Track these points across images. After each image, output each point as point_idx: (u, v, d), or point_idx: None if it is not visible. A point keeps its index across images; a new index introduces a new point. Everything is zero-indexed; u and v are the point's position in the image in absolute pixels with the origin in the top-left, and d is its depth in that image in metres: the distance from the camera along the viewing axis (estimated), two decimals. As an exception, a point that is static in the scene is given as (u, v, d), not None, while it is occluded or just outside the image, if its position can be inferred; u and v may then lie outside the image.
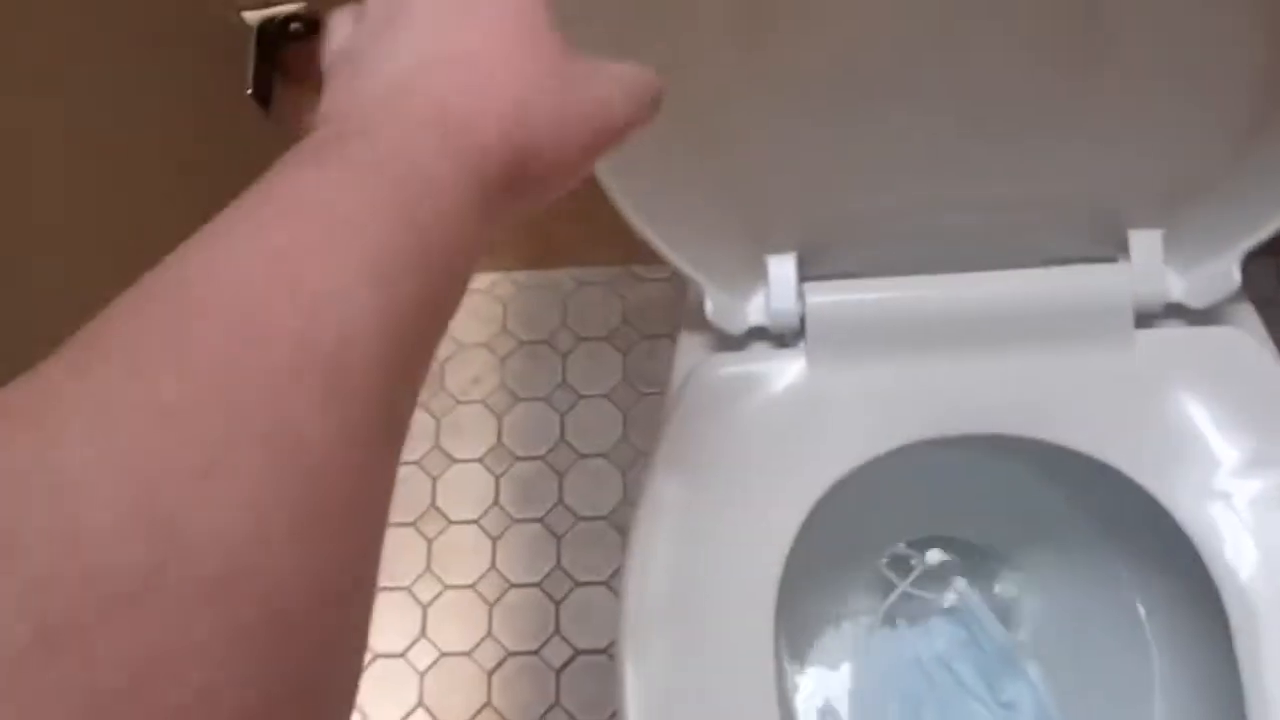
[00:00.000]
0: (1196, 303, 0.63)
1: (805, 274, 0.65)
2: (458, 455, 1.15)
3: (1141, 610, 0.69)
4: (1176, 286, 0.63)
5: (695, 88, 0.56)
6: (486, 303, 1.21)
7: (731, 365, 0.65)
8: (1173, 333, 0.64)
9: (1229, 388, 0.62)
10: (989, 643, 0.68)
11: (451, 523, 1.13)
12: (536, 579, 1.10)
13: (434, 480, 1.14)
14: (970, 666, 0.68)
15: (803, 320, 0.65)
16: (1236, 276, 0.62)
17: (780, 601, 0.63)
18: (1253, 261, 0.63)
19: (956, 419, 0.63)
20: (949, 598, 0.70)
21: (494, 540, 1.11)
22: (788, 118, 0.58)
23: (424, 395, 1.14)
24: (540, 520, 1.12)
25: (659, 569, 0.61)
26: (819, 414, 0.64)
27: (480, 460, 1.15)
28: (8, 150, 0.70)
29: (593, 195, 0.63)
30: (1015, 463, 0.68)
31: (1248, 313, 0.65)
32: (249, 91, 0.80)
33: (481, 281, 1.22)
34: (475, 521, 1.12)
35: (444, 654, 1.08)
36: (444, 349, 1.19)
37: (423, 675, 1.07)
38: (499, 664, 1.07)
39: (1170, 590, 0.65)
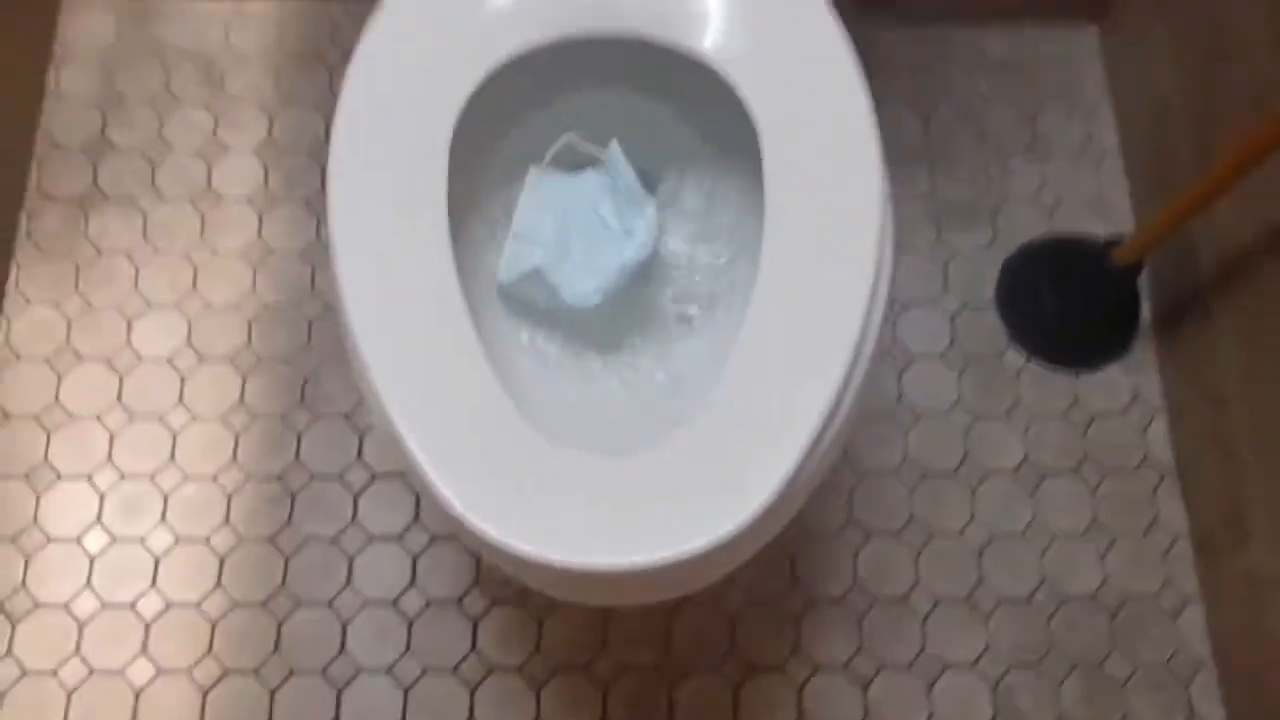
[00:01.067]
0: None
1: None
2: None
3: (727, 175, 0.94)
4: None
5: None
6: None
7: None
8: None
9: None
10: (624, 186, 0.92)
11: (226, 199, 1.31)
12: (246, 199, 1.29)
13: (210, 166, 1.33)
14: (608, 203, 0.92)
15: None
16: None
17: (470, 159, 0.85)
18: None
19: (588, 21, 0.86)
20: (601, 150, 0.93)
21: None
22: None
23: (206, 95, 1.32)
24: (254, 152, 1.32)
25: (355, 125, 0.82)
26: (486, 10, 0.86)
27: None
28: None
29: None
30: (630, 79, 0.91)
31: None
32: None
33: None
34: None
35: (153, 306, 1.27)
36: (225, 57, 1.37)
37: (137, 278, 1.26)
38: (200, 314, 1.26)
39: (727, 144, 0.88)
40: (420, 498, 1.16)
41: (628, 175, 0.91)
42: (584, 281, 0.88)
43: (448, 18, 0.86)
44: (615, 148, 0.91)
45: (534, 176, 0.92)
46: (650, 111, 0.94)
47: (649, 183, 0.97)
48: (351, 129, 0.82)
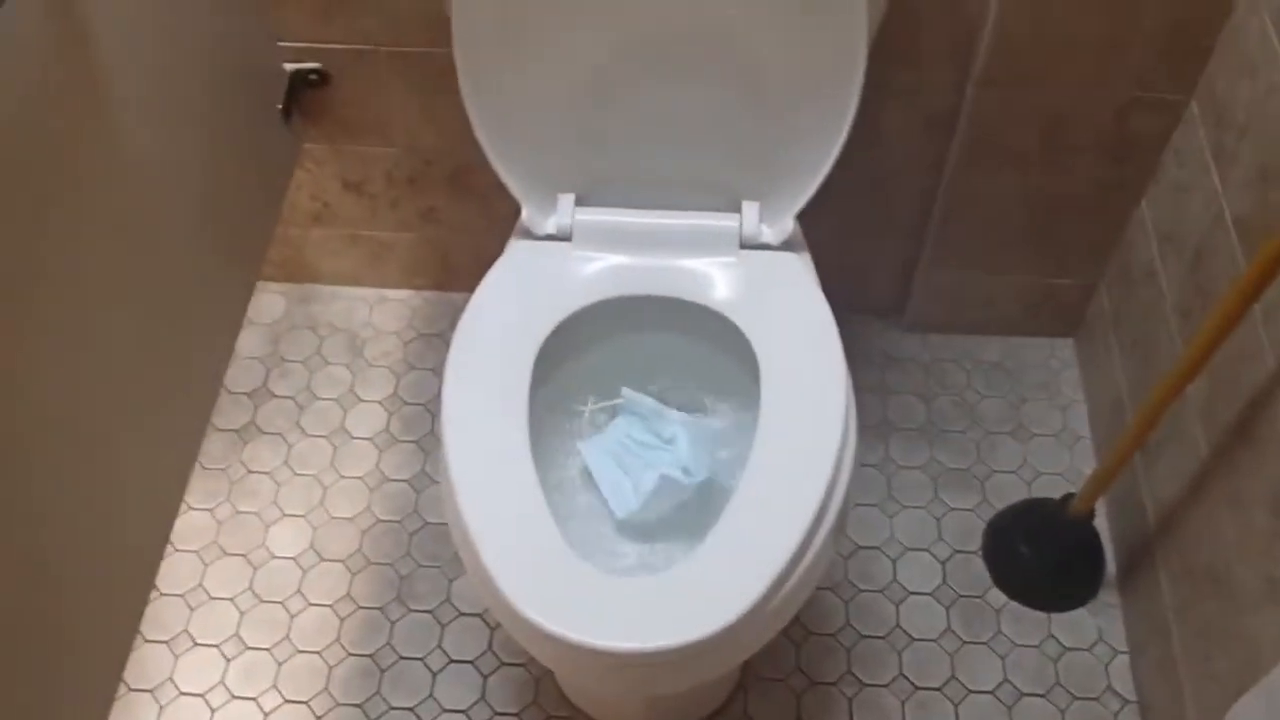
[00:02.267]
0: (773, 241, 1.22)
1: (578, 203, 1.24)
2: (365, 397, 1.68)
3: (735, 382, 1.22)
4: (765, 232, 1.23)
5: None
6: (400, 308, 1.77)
7: (533, 246, 1.23)
8: (760, 253, 1.22)
9: (782, 279, 1.20)
10: (648, 412, 1.21)
11: (354, 437, 1.64)
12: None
13: (345, 411, 1.67)
14: (640, 429, 1.21)
15: (573, 230, 1.23)
16: (791, 228, 1.22)
17: (539, 387, 1.16)
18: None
19: (647, 286, 1.20)
20: (621, 399, 1.23)
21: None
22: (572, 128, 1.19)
23: (348, 358, 1.68)
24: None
25: (472, 362, 1.15)
26: (573, 274, 1.21)
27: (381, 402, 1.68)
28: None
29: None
30: (674, 326, 1.23)
31: (801, 247, 1.24)
32: (279, 107, 1.45)
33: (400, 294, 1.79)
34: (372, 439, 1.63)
35: (286, 515, 1.56)
36: (366, 331, 1.75)
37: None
38: (324, 524, 1.55)
39: (748, 373, 1.16)
40: (493, 636, 1.40)
41: (645, 402, 1.21)
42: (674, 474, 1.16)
43: (526, 290, 1.20)
44: (626, 391, 1.22)
45: (584, 447, 1.22)
46: (684, 348, 1.25)
47: (690, 405, 1.27)
48: (459, 367, 1.14)
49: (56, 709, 0.94)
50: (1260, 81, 1.17)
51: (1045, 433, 1.63)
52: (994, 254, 1.60)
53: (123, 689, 1.41)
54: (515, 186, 1.23)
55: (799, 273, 1.22)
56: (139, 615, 1.14)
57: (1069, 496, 1.44)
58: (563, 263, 1.23)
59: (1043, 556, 1.48)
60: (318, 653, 1.44)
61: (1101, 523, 1.50)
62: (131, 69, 1.03)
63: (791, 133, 1.18)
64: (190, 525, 1.55)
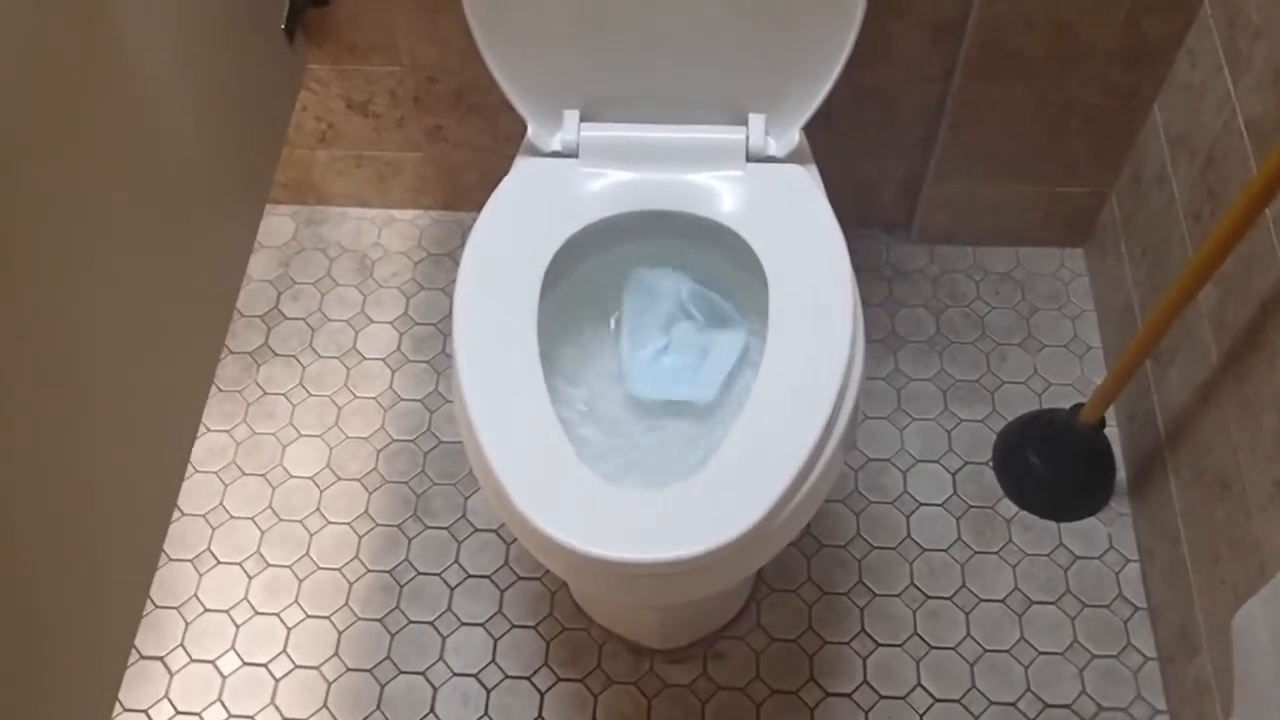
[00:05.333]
0: (779, 153, 1.21)
1: (583, 119, 1.23)
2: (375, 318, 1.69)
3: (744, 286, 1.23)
4: (771, 144, 1.22)
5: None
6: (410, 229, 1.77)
7: (539, 163, 1.23)
8: (766, 166, 1.21)
9: (788, 191, 1.19)
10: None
11: (367, 358, 1.65)
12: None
13: (357, 332, 1.68)
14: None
15: (579, 146, 1.22)
16: (797, 140, 1.21)
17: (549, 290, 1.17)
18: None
19: (654, 200, 1.20)
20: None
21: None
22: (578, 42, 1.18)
23: (358, 279, 1.68)
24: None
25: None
26: (580, 191, 1.20)
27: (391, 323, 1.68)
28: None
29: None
30: (686, 237, 1.23)
31: (808, 160, 1.23)
32: (283, 27, 1.43)
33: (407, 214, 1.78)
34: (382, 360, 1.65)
35: (303, 435, 1.58)
36: (375, 252, 1.75)
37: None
38: (340, 443, 1.57)
39: (755, 277, 1.16)
40: (509, 551, 1.43)
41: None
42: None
43: (534, 207, 1.19)
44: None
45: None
46: (693, 261, 1.26)
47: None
48: (469, 286, 1.14)
49: (87, 627, 0.97)
50: (1275, -19, 1.15)
51: (1055, 343, 1.63)
52: (1003, 164, 1.59)
53: (149, 606, 1.44)
54: (520, 103, 1.23)
55: (806, 185, 1.21)
56: (163, 535, 1.16)
57: (1079, 406, 1.44)
58: (570, 179, 1.22)
59: (1053, 466, 1.49)
60: (338, 569, 1.47)
61: (1112, 432, 1.51)
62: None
63: (797, 42, 1.17)
64: (209, 447, 1.56)
